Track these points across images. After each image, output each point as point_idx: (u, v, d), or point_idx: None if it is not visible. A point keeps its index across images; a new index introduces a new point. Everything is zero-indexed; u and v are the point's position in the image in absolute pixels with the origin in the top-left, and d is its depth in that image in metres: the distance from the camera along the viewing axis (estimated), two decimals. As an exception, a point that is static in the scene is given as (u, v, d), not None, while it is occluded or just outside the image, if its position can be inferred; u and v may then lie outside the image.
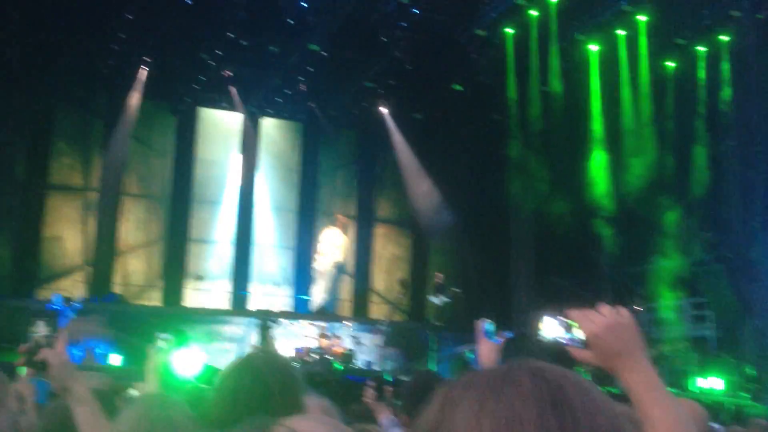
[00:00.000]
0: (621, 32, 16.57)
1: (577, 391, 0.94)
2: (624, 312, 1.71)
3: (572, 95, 17.35)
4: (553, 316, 1.80)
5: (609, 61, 17.10)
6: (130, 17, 15.94)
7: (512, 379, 0.94)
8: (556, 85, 17.18)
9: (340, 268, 19.10)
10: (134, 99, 18.54)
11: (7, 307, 14.91)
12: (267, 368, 2.10)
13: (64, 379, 2.05)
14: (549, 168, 17.35)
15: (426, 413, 0.97)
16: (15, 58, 16.80)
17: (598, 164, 17.35)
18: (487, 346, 3.40)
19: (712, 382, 14.49)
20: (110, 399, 2.68)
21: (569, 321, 1.74)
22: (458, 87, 18.87)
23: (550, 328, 1.81)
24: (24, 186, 18.36)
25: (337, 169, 22.18)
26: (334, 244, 19.15)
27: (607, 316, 1.68)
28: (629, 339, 1.65)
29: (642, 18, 15.94)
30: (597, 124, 17.55)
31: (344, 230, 19.86)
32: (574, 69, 17.36)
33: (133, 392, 4.28)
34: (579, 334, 1.70)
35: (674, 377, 14.44)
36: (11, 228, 17.92)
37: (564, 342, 1.74)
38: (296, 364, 13.55)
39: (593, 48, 17.15)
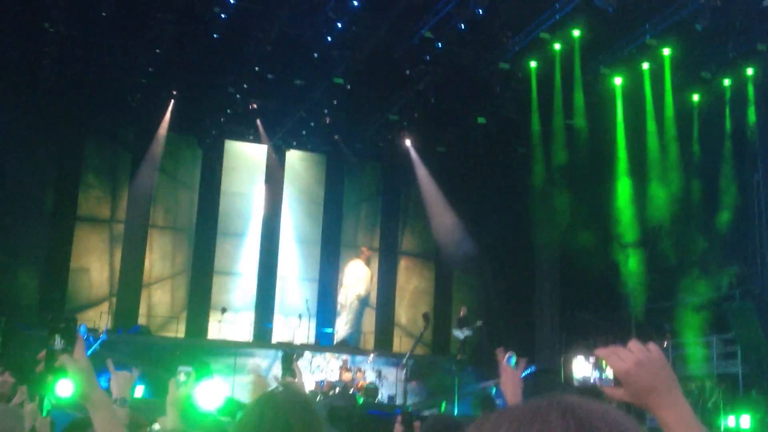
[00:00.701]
0: (645, 65, 16.53)
1: (611, 428, 0.90)
2: (654, 348, 1.67)
3: (597, 128, 17.29)
4: (584, 355, 1.79)
5: (633, 95, 17.04)
6: (159, 51, 16.22)
7: (542, 416, 0.91)
8: (580, 118, 17.14)
9: (363, 301, 19.08)
10: (161, 132, 18.84)
11: (34, 337, 15.02)
12: (289, 405, 2.10)
13: (83, 384, 2.06)
14: (574, 201, 17.25)
15: None
16: (45, 92, 17.14)
17: (623, 198, 17.21)
18: (509, 376, 3.36)
19: (740, 420, 14.17)
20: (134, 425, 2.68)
21: (601, 360, 1.72)
22: (482, 120, 18.91)
23: (581, 367, 1.79)
24: (52, 217, 18.63)
25: (361, 201, 22.25)
26: (357, 277, 19.16)
27: (636, 352, 1.65)
28: (661, 375, 1.63)
29: (666, 51, 15.90)
30: (622, 158, 17.45)
31: (367, 263, 19.88)
32: (599, 102, 17.32)
33: (156, 427, 4.27)
34: (611, 373, 1.68)
35: (702, 415, 14.14)
36: (39, 258, 18.13)
37: (595, 381, 1.71)
38: (318, 398, 13.48)
39: (617, 81, 17.13)
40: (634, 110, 17.13)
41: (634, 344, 1.67)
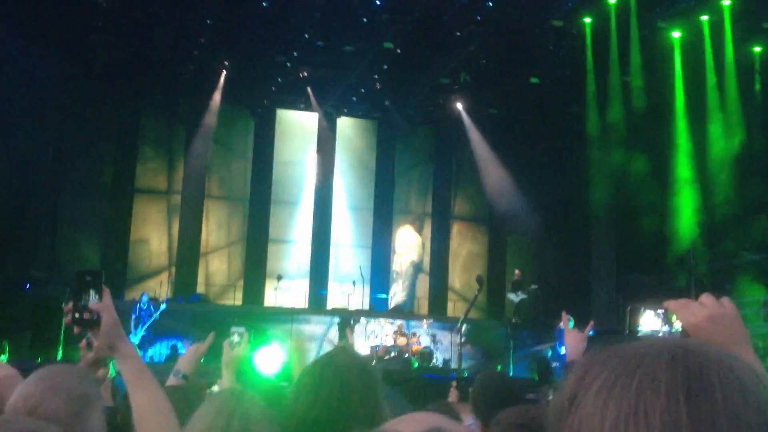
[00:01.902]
0: (704, 17, 15.99)
1: (723, 378, 0.81)
2: (727, 302, 1.59)
3: (654, 85, 16.84)
4: (653, 309, 1.72)
5: (692, 48, 16.52)
6: (209, 22, 16.31)
7: (648, 361, 0.83)
8: (637, 74, 16.70)
9: (416, 267, 19.14)
10: (214, 103, 19.04)
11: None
12: (347, 367, 2.10)
13: (111, 337, 2.08)
14: (630, 160, 16.89)
15: (563, 387, 0.87)
16: (100, 67, 17.43)
17: (682, 156, 16.79)
18: (573, 337, 3.32)
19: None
20: (193, 396, 2.72)
21: (668, 313, 1.65)
22: (535, 80, 18.57)
23: (648, 321, 1.73)
24: (112, 190, 19.08)
25: (413, 166, 22.18)
26: (408, 244, 19.22)
27: (708, 306, 1.58)
28: (733, 330, 1.55)
29: (726, 2, 15.35)
30: (680, 114, 16.99)
31: (418, 229, 19.90)
32: (656, 57, 16.84)
33: (215, 389, 4.35)
34: (679, 326, 1.62)
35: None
36: (100, 231, 18.62)
37: (664, 335, 1.66)
38: (374, 362, 13.61)
39: (675, 35, 16.61)
40: (693, 65, 16.61)
41: (706, 298, 1.60)
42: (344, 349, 2.35)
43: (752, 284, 16.42)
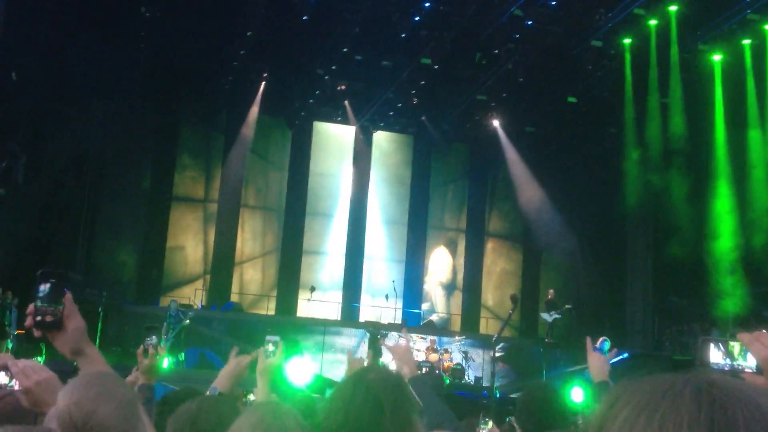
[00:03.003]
0: (746, 41, 15.78)
1: (749, 416, 0.80)
2: None
3: (694, 108, 16.64)
4: (716, 342, 1.68)
5: (733, 72, 16.30)
6: (250, 34, 16.52)
7: (674, 393, 0.83)
8: (677, 97, 16.52)
9: (448, 288, 19.17)
10: (253, 114, 19.26)
11: (133, 313, 15.69)
12: (379, 384, 2.11)
13: (77, 341, 2.07)
14: (667, 183, 16.68)
15: (598, 410, 0.88)
16: (142, 77, 17.73)
17: (722, 181, 16.53)
18: (597, 359, 3.30)
19: None
20: (228, 407, 2.75)
21: (732, 346, 1.61)
22: (572, 99, 18.48)
23: (713, 354, 1.68)
24: (150, 198, 19.36)
25: (448, 182, 22.17)
26: (441, 265, 19.27)
27: None
28: None
29: (769, 26, 15.14)
30: (720, 138, 16.75)
31: (452, 251, 19.90)
32: (696, 80, 16.65)
33: (251, 397, 4.37)
34: (743, 361, 1.58)
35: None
36: (137, 237, 18.89)
37: (728, 369, 1.61)
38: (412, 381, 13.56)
39: (716, 58, 16.42)
40: (734, 88, 16.38)
41: None
42: (378, 367, 2.36)
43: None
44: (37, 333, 2.05)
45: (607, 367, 3.29)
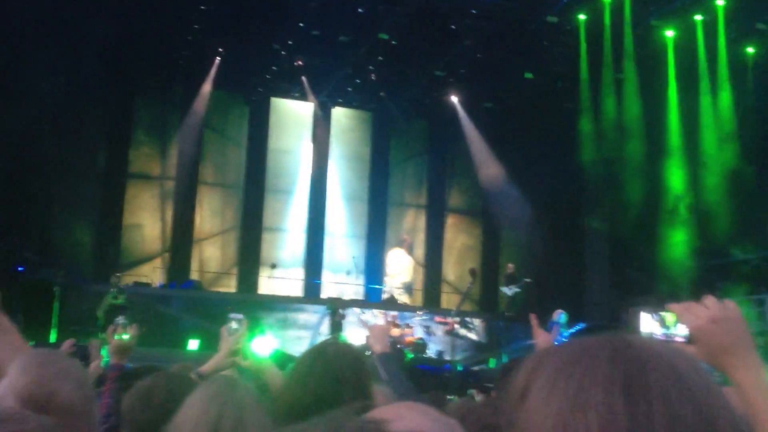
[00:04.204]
0: (698, 17, 16.02)
1: (662, 374, 0.82)
2: (731, 305, 1.58)
3: (647, 82, 16.89)
4: (649, 311, 1.73)
5: (685, 48, 16.56)
6: (204, 8, 16.27)
7: (590, 355, 0.84)
8: (631, 72, 16.74)
9: (408, 289, 19.34)
10: (208, 89, 19.00)
11: (90, 292, 15.49)
12: (339, 357, 2.15)
13: None
14: (623, 156, 16.96)
15: (514, 382, 0.89)
16: (95, 52, 17.35)
17: (674, 152, 16.86)
18: (543, 338, 3.36)
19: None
20: (184, 379, 2.75)
21: (664, 316, 1.66)
22: (529, 75, 18.60)
23: (646, 323, 1.72)
24: (105, 175, 19.04)
25: (408, 158, 22.21)
26: (401, 266, 19.40)
27: (712, 309, 1.57)
28: (737, 334, 1.54)
29: (720, 2, 15.38)
30: (673, 112, 17.05)
31: (409, 251, 20.00)
32: (650, 56, 16.88)
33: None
34: (677, 329, 1.62)
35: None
36: (93, 215, 18.59)
37: (661, 338, 1.66)
38: (368, 353, 13.66)
39: (669, 34, 16.65)
40: (687, 64, 16.65)
41: (710, 300, 1.59)
42: (336, 340, 2.39)
43: (742, 283, 16.52)
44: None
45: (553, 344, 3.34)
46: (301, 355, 2.28)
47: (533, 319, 3.36)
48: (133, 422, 2.51)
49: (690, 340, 1.57)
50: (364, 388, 2.14)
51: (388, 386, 2.86)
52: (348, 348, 2.30)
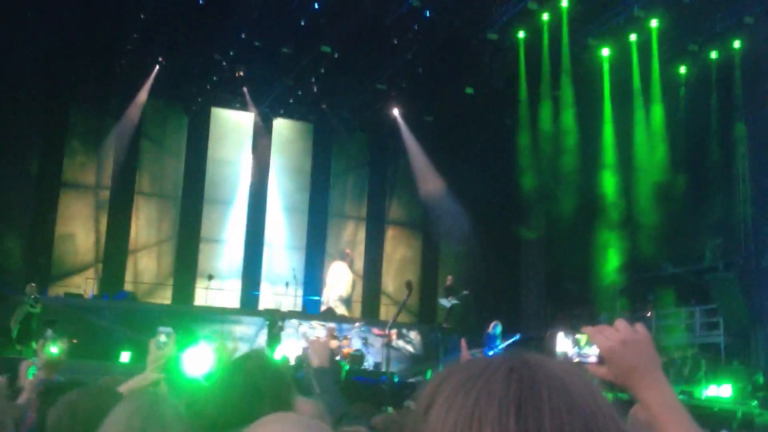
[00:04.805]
0: (633, 37, 16.52)
1: (553, 391, 0.86)
2: (640, 328, 1.68)
3: (584, 99, 17.31)
4: (565, 332, 1.80)
5: (621, 66, 17.04)
6: (143, 17, 16.06)
7: (488, 373, 0.89)
8: (567, 89, 17.13)
9: (346, 302, 19.35)
10: (142, 98, 18.71)
11: (17, 301, 15.04)
12: (258, 370, 2.14)
13: None
14: (560, 171, 17.32)
15: (420, 396, 0.93)
16: (29, 57, 16.96)
17: (608, 167, 17.29)
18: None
19: (721, 390, 14.38)
20: (111, 393, 2.72)
21: (578, 337, 1.73)
22: (470, 90, 18.86)
23: (562, 344, 1.80)
24: (37, 183, 18.54)
25: (349, 170, 22.25)
26: (340, 279, 19.41)
27: (622, 332, 1.66)
28: (645, 355, 1.63)
29: (654, 23, 15.88)
30: (608, 128, 17.50)
31: (350, 265, 20.02)
32: (586, 73, 17.31)
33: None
34: (589, 350, 1.70)
35: (683, 384, 14.36)
36: (24, 224, 18.08)
37: (575, 358, 1.73)
38: (304, 364, 13.57)
39: (605, 52, 17.11)
40: (621, 82, 17.13)
41: (620, 323, 1.68)
42: (257, 353, 2.39)
43: (672, 296, 17.00)
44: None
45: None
46: (220, 369, 2.27)
47: (463, 344, 3.46)
48: None
49: (601, 360, 1.67)
50: (285, 400, 2.14)
51: (319, 399, 2.87)
52: (268, 360, 2.30)
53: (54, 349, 3.81)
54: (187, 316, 16.48)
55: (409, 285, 8.58)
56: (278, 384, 2.16)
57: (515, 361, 0.91)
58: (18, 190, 17.85)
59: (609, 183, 17.09)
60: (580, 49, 16.92)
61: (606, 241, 16.97)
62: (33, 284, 14.86)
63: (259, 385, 2.13)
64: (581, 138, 17.31)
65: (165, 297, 19.43)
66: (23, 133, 18.02)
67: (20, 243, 17.90)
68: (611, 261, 17.08)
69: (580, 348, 1.71)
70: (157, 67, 18.32)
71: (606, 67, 17.23)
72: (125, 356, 13.74)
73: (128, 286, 18.81)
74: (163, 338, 3.61)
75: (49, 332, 4.48)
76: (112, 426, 2.01)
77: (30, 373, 4.22)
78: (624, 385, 1.64)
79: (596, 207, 17.04)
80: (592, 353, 1.69)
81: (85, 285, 18.39)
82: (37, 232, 18.30)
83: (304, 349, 15.66)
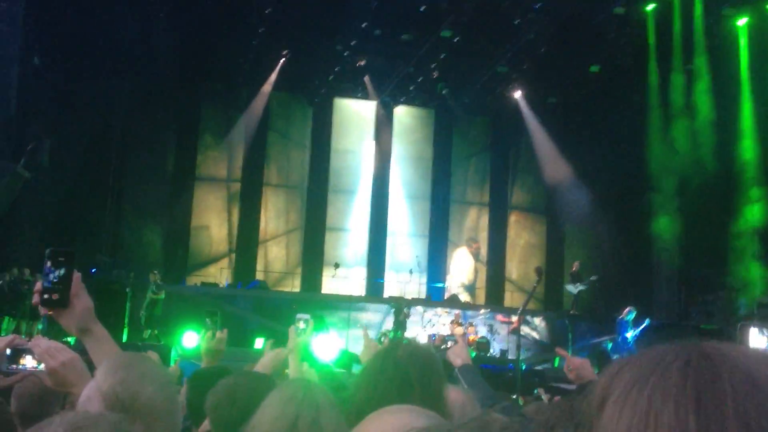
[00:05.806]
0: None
1: (737, 388, 0.77)
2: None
3: (719, 73, 16.39)
4: (759, 327, 1.67)
5: (759, 36, 16.01)
6: (268, 12, 16.49)
7: (663, 367, 0.81)
8: (702, 63, 16.27)
9: (469, 289, 19.29)
10: (271, 91, 19.26)
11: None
12: (409, 358, 2.13)
13: (86, 320, 2.07)
14: (693, 151, 16.49)
15: (600, 382, 0.86)
16: (162, 59, 17.77)
17: (747, 144, 16.31)
18: (578, 362, 3.36)
19: None
20: (266, 379, 2.81)
21: None
22: (595, 68, 18.26)
23: (756, 339, 1.67)
24: (173, 178, 19.48)
25: (470, 156, 22.07)
26: (462, 268, 19.34)
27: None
28: None
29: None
30: (746, 104, 16.50)
31: (475, 256, 19.89)
32: (721, 46, 16.38)
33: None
34: None
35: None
36: (162, 218, 19.05)
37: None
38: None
39: (741, 22, 16.12)
40: (760, 53, 16.10)
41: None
42: (406, 341, 2.38)
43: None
44: (43, 311, 2.05)
45: (590, 368, 3.32)
46: (370, 359, 2.27)
47: (560, 351, 3.42)
48: (218, 419, 2.59)
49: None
50: (435, 389, 2.11)
51: (469, 391, 2.86)
52: (418, 349, 2.28)
53: (214, 339, 4.05)
54: (315, 304, 16.87)
55: (539, 271, 8.41)
56: (428, 373, 2.14)
57: (691, 352, 0.82)
58: (156, 186, 18.81)
59: (750, 163, 16.12)
60: (714, 20, 16.03)
61: (745, 223, 16.05)
62: (155, 272, 15.63)
63: (409, 374, 2.11)
64: (717, 115, 16.41)
65: (294, 285, 19.98)
66: (159, 132, 18.99)
67: (159, 236, 18.88)
68: (751, 244, 16.13)
69: None
70: (282, 60, 18.80)
71: (743, 37, 16.24)
72: (259, 342, 14.22)
73: (259, 275, 19.46)
74: (302, 325, 3.70)
75: (209, 322, 4.71)
76: (267, 410, 2.06)
77: (172, 360, 4.43)
78: None
79: (734, 188, 16.13)
80: None
81: (220, 275, 19.17)
82: (174, 225, 19.25)
83: (429, 337, 15.75)
